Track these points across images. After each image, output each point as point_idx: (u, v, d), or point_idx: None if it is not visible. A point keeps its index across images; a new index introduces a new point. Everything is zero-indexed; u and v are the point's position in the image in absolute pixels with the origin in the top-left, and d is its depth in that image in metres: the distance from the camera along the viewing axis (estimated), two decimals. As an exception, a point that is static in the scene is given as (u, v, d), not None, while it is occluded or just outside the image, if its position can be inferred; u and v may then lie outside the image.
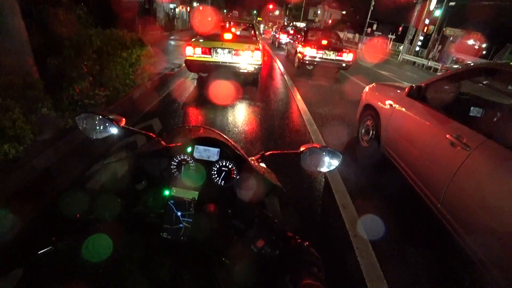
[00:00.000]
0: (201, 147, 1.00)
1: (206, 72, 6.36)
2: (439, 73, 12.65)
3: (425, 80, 2.88)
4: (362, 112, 3.93)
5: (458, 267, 2.05)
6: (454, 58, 18.56)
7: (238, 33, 7.76)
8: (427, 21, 21.13)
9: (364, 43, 31.17)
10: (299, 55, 9.44)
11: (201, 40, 5.91)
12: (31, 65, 3.08)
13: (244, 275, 0.75)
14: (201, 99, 5.49)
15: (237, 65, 5.87)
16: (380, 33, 33.77)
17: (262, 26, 35.24)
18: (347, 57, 8.88)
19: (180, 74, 7.20)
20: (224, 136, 1.07)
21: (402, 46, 23.73)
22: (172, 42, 14.02)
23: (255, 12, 61.63)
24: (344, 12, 48.19)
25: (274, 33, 22.35)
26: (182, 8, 24.91)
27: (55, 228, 0.75)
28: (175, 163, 0.97)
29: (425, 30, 21.64)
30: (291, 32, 15.01)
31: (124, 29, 5.57)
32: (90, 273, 0.72)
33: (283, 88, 7.17)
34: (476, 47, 21.97)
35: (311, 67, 9.32)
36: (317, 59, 8.89)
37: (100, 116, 1.01)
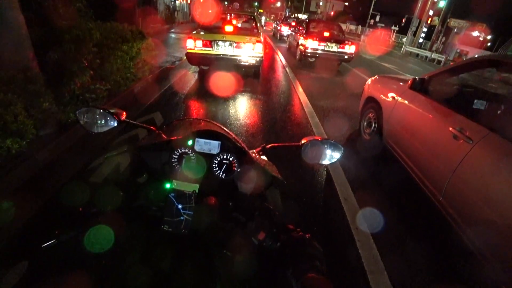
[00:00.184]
0: (202, 140, 1.00)
1: (207, 65, 6.32)
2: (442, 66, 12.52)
3: (428, 73, 2.85)
4: (364, 104, 3.91)
5: (458, 260, 2.06)
6: (458, 50, 18.31)
7: (239, 25, 7.68)
8: (431, 12, 20.80)
9: (366, 35, 30.79)
10: (300, 47, 9.34)
11: (202, 33, 5.86)
12: (31, 59, 3.06)
13: (245, 267, 0.76)
14: (203, 92, 5.47)
15: (238, 57, 5.83)
16: (383, 25, 33.26)
17: (263, 18, 34.83)
18: (349, 49, 8.78)
19: (181, 67, 7.16)
20: (224, 128, 1.07)
21: (405, 38, 23.41)
22: (173, 35, 13.90)
23: (256, 4, 60.86)
24: (346, 3, 47.53)
25: (275, 25, 22.11)
26: (183, 0, 24.62)
27: (58, 222, 0.75)
28: (176, 156, 0.97)
29: (429, 22, 21.33)
30: (293, 24, 14.83)
31: (124, 22, 5.52)
32: (93, 265, 0.73)
33: (284, 80, 7.12)
34: (481, 38, 21.66)
35: (313, 59, 9.23)
36: (319, 51, 8.79)
37: (101, 110, 1.01)
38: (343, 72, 9.16)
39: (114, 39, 4.53)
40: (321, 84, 7.21)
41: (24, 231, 1.90)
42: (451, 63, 3.47)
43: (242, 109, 4.78)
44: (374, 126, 3.52)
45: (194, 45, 5.65)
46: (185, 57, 6.13)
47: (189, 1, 25.72)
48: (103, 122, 1.03)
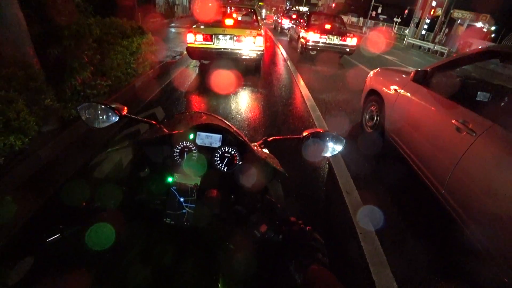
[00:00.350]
0: (203, 134, 1.00)
1: (207, 59, 6.29)
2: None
3: (430, 64, 2.82)
4: (366, 97, 3.88)
5: (461, 253, 2.06)
6: (462, 42, 18.08)
7: (239, 18, 7.61)
8: (434, 3, 20.49)
9: (369, 27, 30.43)
10: (302, 40, 9.27)
11: (202, 27, 5.81)
12: (31, 56, 3.06)
13: (247, 260, 0.76)
14: (204, 86, 5.45)
15: (239, 51, 5.79)
16: (385, 17, 32.84)
17: (264, 11, 34.51)
18: (351, 41, 8.70)
19: (182, 62, 7.13)
20: (226, 122, 1.07)
21: (407, 30, 23.14)
22: (173, 30, 13.81)
23: (256, -4, 60.11)
24: (348, -5, 46.82)
25: (276, 18, 21.90)
26: (182, -6, 24.36)
27: (62, 217, 0.76)
28: (178, 150, 0.97)
29: (431, 13, 21.04)
30: (294, 16, 14.68)
31: (123, 17, 5.48)
32: (96, 260, 0.74)
33: (286, 74, 7.08)
34: (485, 30, 21.34)
35: (314, 52, 9.16)
36: (320, 44, 8.72)
37: (102, 106, 1.01)
38: (344, 65, 9.09)
39: (114, 34, 4.51)
40: (322, 77, 7.16)
41: (28, 227, 1.93)
42: (454, 55, 3.43)
43: (244, 103, 4.77)
44: (376, 119, 3.51)
45: (194, 39, 5.61)
46: (185, 52, 6.10)
47: (188, -5, 25.46)
48: (104, 117, 1.03)
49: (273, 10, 37.44)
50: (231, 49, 5.76)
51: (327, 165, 3.01)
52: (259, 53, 5.88)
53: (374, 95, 3.60)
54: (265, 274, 0.78)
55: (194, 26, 6.03)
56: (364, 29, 29.19)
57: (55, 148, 2.77)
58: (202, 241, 0.80)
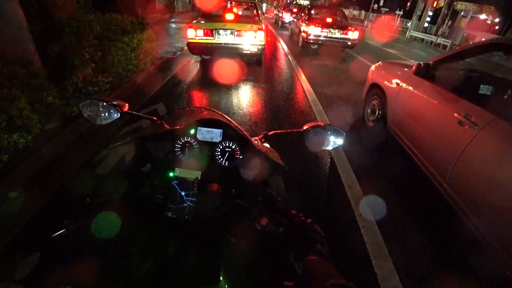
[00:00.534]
0: (204, 129, 1.00)
1: (208, 54, 6.27)
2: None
3: (433, 58, 2.80)
4: (368, 91, 3.86)
5: (463, 246, 2.07)
6: (465, 34, 17.85)
7: (240, 13, 7.55)
8: (437, -5, 20.22)
9: (370, 20, 30.08)
10: (303, 34, 9.20)
11: (202, 22, 5.78)
12: (32, 53, 3.06)
13: (248, 252, 0.78)
14: (205, 82, 5.45)
15: (240, 46, 5.76)
16: (387, 9, 32.43)
17: (264, 5, 34.18)
18: (353, 35, 8.62)
19: (183, 57, 7.11)
20: (226, 117, 1.07)
21: (410, 23, 22.86)
22: (173, 25, 13.74)
23: (257, -10, 59.49)
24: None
25: (277, 12, 21.70)
26: (182, -12, 24.17)
27: (66, 212, 0.77)
28: (179, 145, 0.98)
29: (434, 5, 20.74)
30: (295, 10, 14.54)
31: (123, 13, 5.46)
32: (101, 252, 0.75)
33: (287, 68, 7.04)
34: (489, 22, 21.04)
35: (316, 46, 9.09)
36: (321, 38, 8.65)
37: (104, 103, 1.02)
38: (346, 59, 9.02)
39: (114, 30, 4.50)
40: (324, 71, 7.12)
41: (34, 223, 1.95)
42: (457, 48, 3.40)
43: (245, 98, 4.76)
44: (378, 113, 3.49)
45: (195, 35, 5.59)
46: (186, 47, 6.07)
47: (188, -10, 25.25)
48: (106, 114, 1.04)
49: (275, 4, 37.04)
50: (232, 44, 5.73)
51: (329, 159, 3.01)
52: (260, 47, 5.84)
53: (376, 89, 3.58)
54: (266, 266, 0.79)
55: (195, 21, 6.00)
56: (366, 22, 28.86)
57: (58, 145, 2.79)
58: (203, 234, 0.82)
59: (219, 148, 0.99)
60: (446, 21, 20.59)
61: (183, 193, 0.84)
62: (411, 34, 20.41)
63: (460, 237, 2.10)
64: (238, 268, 0.77)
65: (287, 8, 18.90)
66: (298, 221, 0.74)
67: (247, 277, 0.77)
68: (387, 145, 3.31)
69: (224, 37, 5.66)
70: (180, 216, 0.82)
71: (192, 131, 1.00)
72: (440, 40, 17.03)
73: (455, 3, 19.86)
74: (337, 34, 8.56)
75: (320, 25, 8.55)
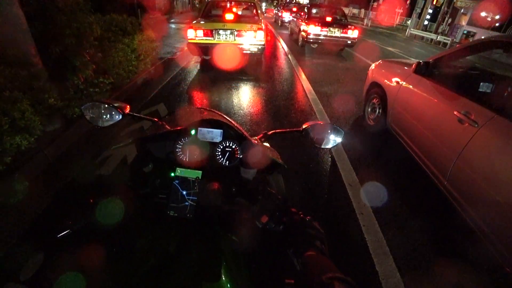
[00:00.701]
0: (204, 129, 1.02)
1: (208, 54, 6.27)
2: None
3: (432, 56, 2.80)
4: (368, 90, 3.87)
5: (464, 244, 2.07)
6: (465, 32, 17.80)
7: (239, 13, 7.56)
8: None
9: (370, 18, 30.03)
10: (302, 33, 9.19)
11: (202, 22, 5.79)
12: (34, 55, 3.08)
13: (249, 250, 0.79)
14: (205, 82, 5.46)
15: (240, 46, 5.77)
16: (386, 7, 32.35)
17: (264, 4, 34.14)
18: (353, 33, 8.61)
19: (183, 58, 7.12)
20: (226, 117, 1.09)
21: (410, 21, 22.81)
22: (173, 25, 13.74)
23: (256, -11, 59.38)
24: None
25: (276, 11, 21.67)
26: (181, -12, 24.15)
27: (70, 212, 0.79)
28: (180, 146, 0.99)
29: (434, 3, 20.70)
30: (294, 9, 14.52)
31: (123, 14, 5.48)
32: (104, 251, 0.77)
33: (287, 68, 7.05)
34: (489, 19, 20.99)
35: (316, 45, 9.09)
36: (321, 37, 8.64)
37: (105, 105, 1.03)
38: (346, 57, 9.02)
39: (114, 32, 4.51)
40: (324, 70, 7.12)
41: (38, 224, 1.97)
42: (457, 45, 3.41)
43: (245, 97, 4.77)
44: (379, 112, 3.50)
45: (195, 35, 5.60)
46: (186, 48, 6.08)
47: (188, -10, 25.23)
48: (108, 116, 1.05)
49: (275, 3, 36.95)
50: (232, 44, 5.73)
51: (330, 158, 3.02)
52: (260, 47, 5.85)
53: (376, 88, 3.59)
54: (266, 262, 0.80)
55: (194, 21, 6.01)
56: (365, 20, 28.79)
57: (60, 147, 2.81)
58: (204, 232, 0.83)
59: (220, 148, 1.01)
60: (446, 18, 20.55)
61: (184, 192, 0.86)
62: (411, 32, 20.36)
63: (461, 235, 2.11)
64: (239, 265, 0.79)
65: (286, 7, 18.87)
66: (298, 218, 0.75)
67: (248, 274, 0.79)
68: (388, 144, 3.32)
69: (224, 37, 5.67)
70: (182, 215, 0.84)
71: (193, 132, 1.01)
72: (440, 38, 16.99)
73: (454, 0, 19.82)
74: (336, 33, 8.56)
75: (319, 24, 8.55)
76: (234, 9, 7.21)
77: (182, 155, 0.99)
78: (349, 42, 8.77)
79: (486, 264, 1.88)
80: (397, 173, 2.84)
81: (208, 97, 4.76)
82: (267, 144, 1.18)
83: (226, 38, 5.68)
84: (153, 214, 0.86)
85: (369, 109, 3.79)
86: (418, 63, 2.78)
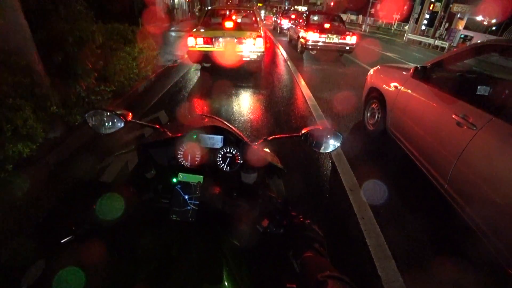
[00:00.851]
0: (206, 136, 1.04)
1: (208, 62, 6.34)
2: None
3: (430, 60, 2.84)
4: (367, 95, 3.90)
5: (466, 247, 2.06)
6: (462, 36, 17.97)
7: (239, 20, 7.66)
8: (433, -2, 20.45)
9: (368, 24, 30.34)
10: (301, 40, 9.29)
11: (202, 30, 5.87)
12: (36, 62, 3.12)
13: (250, 253, 0.80)
14: (206, 89, 5.50)
15: (239, 53, 5.83)
16: (384, 13, 32.74)
17: (263, 12, 34.52)
18: (351, 40, 8.71)
19: (183, 65, 7.18)
20: (226, 123, 1.11)
21: (407, 26, 23.06)
22: (173, 33, 13.90)
23: (255, -3, 60.28)
24: (346, -7, 46.67)
25: (275, 19, 21.92)
26: (181, -3, 24.49)
27: (73, 218, 0.80)
28: (181, 152, 1.01)
29: (431, 8, 20.95)
30: (293, 17, 14.69)
31: (124, 22, 5.55)
32: (106, 254, 0.78)
33: (286, 74, 7.11)
34: (485, 23, 21.22)
35: (314, 51, 9.19)
36: (320, 44, 8.74)
37: (108, 112, 1.05)
38: (345, 63, 9.10)
39: (116, 40, 4.57)
40: (323, 76, 7.18)
41: (39, 230, 1.97)
42: (454, 49, 3.45)
43: (246, 104, 4.80)
44: (378, 117, 3.52)
45: (195, 43, 5.67)
46: (186, 55, 6.15)
47: (187, -1, 25.57)
48: (110, 123, 1.06)
49: (274, 11, 37.39)
50: (232, 51, 5.79)
51: (330, 163, 3.03)
52: (259, 54, 5.91)
53: (375, 93, 3.62)
54: (268, 267, 0.81)
55: (194, 29, 6.08)
56: (363, 26, 29.10)
57: (61, 154, 2.83)
58: (206, 235, 0.84)
59: (221, 154, 1.03)
60: (443, 23, 20.77)
61: (186, 197, 0.87)
62: (409, 37, 20.57)
63: (462, 237, 2.11)
64: (241, 269, 0.80)
65: (285, 14, 19.11)
66: (298, 221, 0.77)
67: (249, 278, 0.80)
68: (388, 148, 3.33)
69: (223, 45, 5.73)
70: (184, 219, 0.85)
71: (194, 138, 1.03)
72: (438, 42, 17.15)
73: (451, 5, 20.06)
74: (335, 39, 8.66)
75: (318, 31, 8.65)
76: (234, 17, 7.31)
77: (184, 161, 1.01)
78: (347, 48, 8.86)
79: (488, 266, 1.87)
80: (397, 177, 2.84)
81: (208, 104, 4.80)
82: (267, 150, 1.19)
83: (226, 46, 5.74)
84: (156, 218, 0.88)
85: (368, 114, 3.81)
86: (416, 67, 2.82)
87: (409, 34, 20.82)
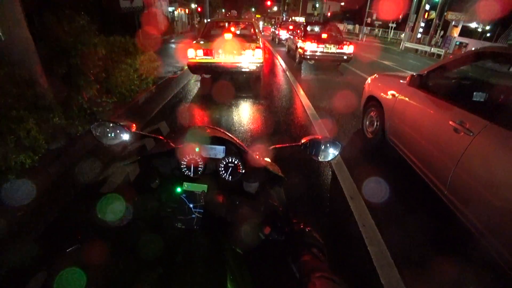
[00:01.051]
0: (208, 146, 1.07)
1: (208, 73, 6.42)
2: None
3: (425, 68, 2.89)
4: (365, 103, 3.95)
5: (469, 253, 2.06)
6: (457, 43, 18.24)
7: (238, 32, 7.80)
8: (427, 7, 20.81)
9: (365, 33, 30.84)
10: (299, 50, 9.43)
11: (202, 42, 5.97)
12: (40, 75, 3.18)
13: (253, 261, 0.82)
14: (206, 100, 5.56)
15: (239, 64, 5.92)
16: (380, 22, 33.35)
17: (261, 23, 35.12)
18: (348, 49, 8.84)
19: (183, 77, 7.28)
20: (228, 134, 1.14)
21: (403, 34, 23.42)
22: (173, 45, 14.11)
23: (253, 9, 61.45)
24: (342, 4, 47.60)
25: (273, 30, 22.27)
26: (181, 10, 24.98)
27: (78, 227, 0.82)
28: (185, 162, 1.04)
29: (426, 16, 21.32)
30: (291, 27, 14.96)
31: (125, 34, 5.67)
32: (110, 260, 0.79)
33: (285, 84, 7.19)
34: (480, 30, 21.58)
35: (313, 61, 9.32)
36: (318, 53, 8.87)
37: (111, 124, 1.08)
38: (343, 72, 9.21)
39: (117, 52, 4.66)
40: (322, 85, 7.26)
41: (41, 241, 1.98)
42: (450, 56, 3.51)
43: (246, 114, 4.85)
44: (377, 125, 3.56)
45: (195, 55, 5.76)
46: (186, 67, 6.23)
47: (187, 11, 26.07)
48: (115, 134, 1.09)
49: (273, 22, 38.06)
50: (231, 62, 5.89)
51: (330, 172, 3.05)
52: (258, 65, 6.00)
53: (373, 101, 3.67)
54: (271, 275, 0.83)
55: (194, 41, 6.20)
56: (360, 35, 29.55)
57: (63, 165, 2.85)
58: (210, 243, 0.86)
59: (223, 163, 1.06)
60: (439, 31, 21.10)
61: (191, 205, 0.90)
62: (405, 45, 20.86)
63: (465, 243, 2.11)
64: (244, 276, 0.81)
65: (283, 25, 19.43)
66: (298, 228, 0.79)
67: (252, 285, 0.81)
68: (387, 155, 3.35)
69: (223, 56, 5.83)
70: (189, 227, 0.88)
71: (197, 149, 1.06)
72: (434, 50, 17.39)
73: (445, 13, 20.42)
74: (332, 49, 8.79)
75: (316, 41, 8.79)
76: (233, 29, 7.45)
77: (187, 171, 1.04)
78: (345, 57, 8.99)
79: (491, 273, 1.87)
80: (398, 183, 2.85)
81: (209, 114, 4.84)
82: (268, 159, 1.22)
83: (225, 57, 5.83)
84: (160, 226, 0.90)
85: (367, 122, 3.85)
86: (412, 76, 2.87)
87: (406, 42, 21.13)
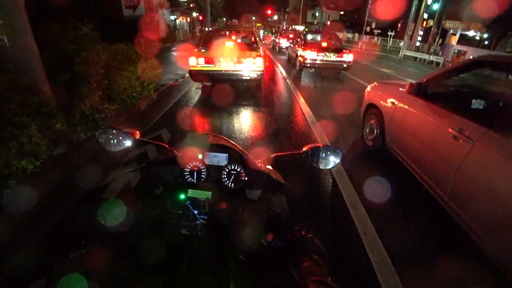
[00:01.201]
0: (211, 154, 1.08)
1: (209, 81, 6.47)
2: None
3: (424, 76, 2.92)
4: (365, 111, 3.98)
5: (471, 262, 2.04)
6: (456, 51, 18.39)
7: (239, 40, 7.89)
8: (425, 16, 21.08)
9: (364, 42, 31.16)
10: (300, 58, 9.52)
11: (203, 50, 6.05)
12: (43, 81, 3.22)
13: (256, 268, 0.83)
14: (207, 107, 5.60)
15: (239, 72, 5.98)
16: (379, 31, 33.73)
17: (262, 31, 35.52)
18: (348, 57, 8.94)
19: (184, 84, 7.33)
20: (231, 142, 1.16)
21: (402, 43, 23.66)
22: (174, 53, 14.25)
23: (254, 18, 62.27)
24: (342, 13, 48.21)
25: (274, 38, 22.51)
26: (183, 19, 25.34)
27: (81, 232, 0.83)
28: (188, 170, 1.05)
29: (424, 25, 21.57)
30: (291, 36, 15.12)
31: (128, 42, 5.74)
32: (116, 269, 0.80)
33: (286, 92, 7.24)
34: (478, 38, 21.81)
35: (313, 69, 9.40)
36: (318, 62, 8.97)
37: (115, 131, 1.10)
38: (343, 80, 9.28)
39: (120, 60, 4.71)
40: (322, 93, 7.32)
41: (41, 247, 1.99)
42: (449, 65, 3.55)
43: (246, 122, 4.88)
44: (377, 132, 3.58)
45: (196, 62, 5.82)
46: (187, 75, 6.29)
47: (189, 20, 26.43)
48: (119, 141, 1.11)
49: (272, 31, 38.53)
50: (232, 70, 5.95)
51: (331, 179, 3.06)
52: (259, 73, 6.06)
53: (373, 109, 3.69)
54: (273, 280, 0.84)
55: (196, 49, 6.27)
56: (360, 44, 29.86)
57: (65, 171, 2.86)
58: (214, 250, 0.87)
59: (226, 171, 1.07)
60: (437, 39, 21.31)
61: (196, 212, 0.91)
62: (404, 53, 21.05)
63: (466, 251, 2.10)
64: (246, 282, 0.82)
65: (283, 34, 19.65)
66: (299, 235, 0.81)
67: None
68: (387, 163, 3.36)
69: (224, 64, 5.89)
70: (193, 233, 0.89)
71: (200, 156, 1.08)
72: (432, 58, 17.53)
73: (443, 22, 20.67)
74: (332, 57, 8.89)
75: (316, 49, 8.89)
76: (234, 37, 7.54)
77: (191, 178, 1.05)
78: (344, 65, 9.08)
79: (495, 282, 1.86)
80: (398, 191, 2.86)
81: (210, 122, 4.87)
82: (269, 166, 1.24)
83: (226, 65, 5.90)
84: (165, 232, 0.91)
85: (367, 130, 3.87)
86: (411, 84, 2.90)
87: (405, 50, 21.32)
